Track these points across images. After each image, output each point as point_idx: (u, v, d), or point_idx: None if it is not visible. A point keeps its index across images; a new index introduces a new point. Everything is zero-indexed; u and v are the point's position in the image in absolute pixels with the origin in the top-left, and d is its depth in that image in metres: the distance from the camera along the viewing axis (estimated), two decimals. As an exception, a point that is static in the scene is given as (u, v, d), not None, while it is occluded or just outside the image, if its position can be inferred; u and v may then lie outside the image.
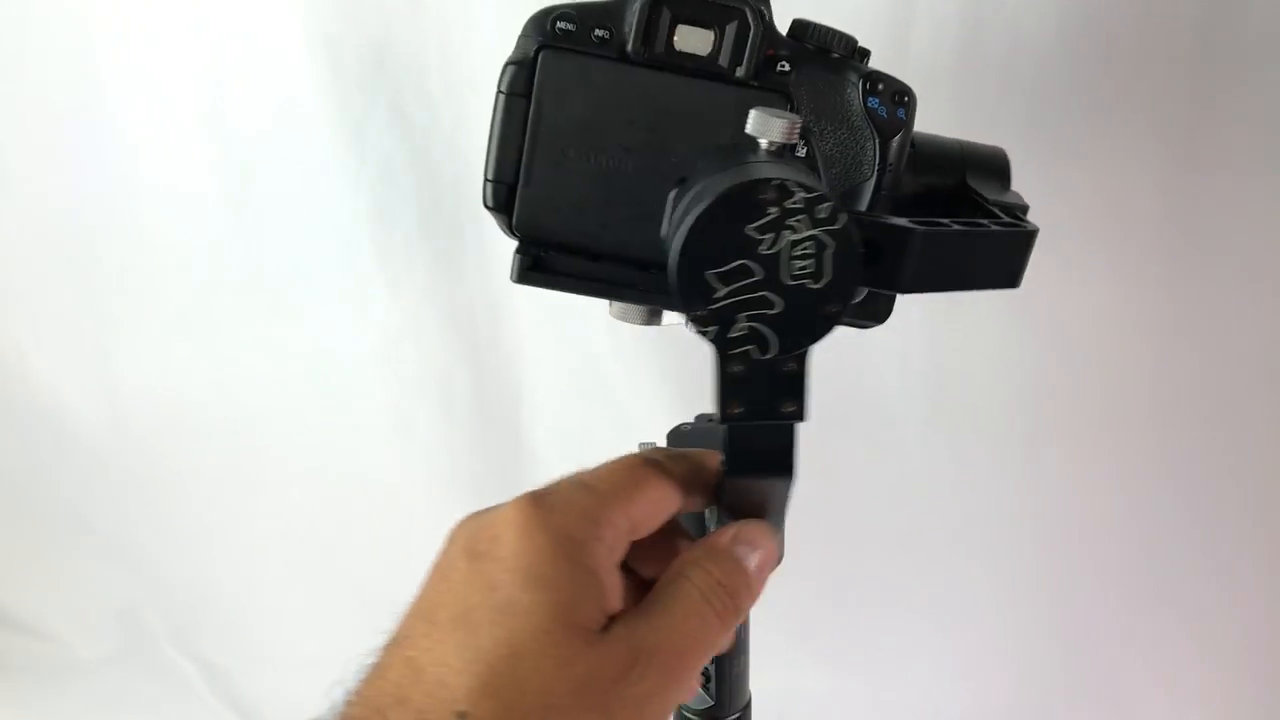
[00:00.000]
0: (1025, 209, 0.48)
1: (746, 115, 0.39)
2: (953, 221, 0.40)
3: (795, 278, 0.33)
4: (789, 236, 0.33)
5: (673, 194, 0.39)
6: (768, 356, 0.35)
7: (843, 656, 1.09)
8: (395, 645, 0.31)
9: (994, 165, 0.52)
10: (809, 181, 0.33)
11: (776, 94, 0.44)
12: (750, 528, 0.37)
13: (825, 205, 0.32)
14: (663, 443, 0.53)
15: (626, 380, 1.05)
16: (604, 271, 0.46)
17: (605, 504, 0.33)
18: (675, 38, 0.43)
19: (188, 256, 1.12)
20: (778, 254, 0.33)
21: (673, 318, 0.48)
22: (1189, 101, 0.81)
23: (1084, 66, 0.82)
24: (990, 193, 0.49)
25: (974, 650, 1.05)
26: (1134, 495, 0.96)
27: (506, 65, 0.42)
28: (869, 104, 0.47)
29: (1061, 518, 0.99)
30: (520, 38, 0.42)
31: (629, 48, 0.42)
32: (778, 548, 0.38)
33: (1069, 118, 0.84)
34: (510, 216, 0.44)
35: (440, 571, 0.32)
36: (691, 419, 0.57)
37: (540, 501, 0.31)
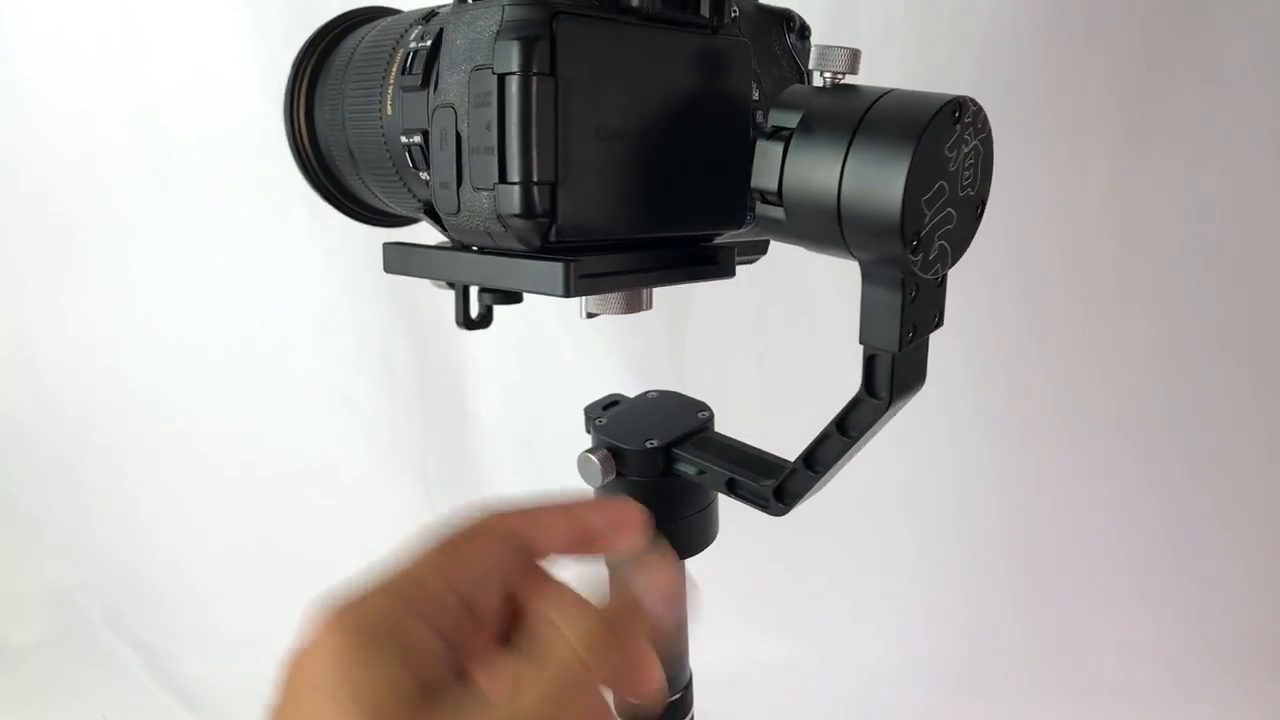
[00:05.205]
0: None
1: (731, 61, 0.41)
2: None
3: (963, 188, 0.35)
4: (963, 150, 0.34)
5: (765, 143, 0.36)
6: (948, 270, 0.37)
7: (794, 623, 1.08)
8: None
9: None
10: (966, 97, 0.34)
11: (740, 39, 0.42)
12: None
13: (983, 115, 0.35)
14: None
15: (573, 348, 1.03)
16: (645, 260, 0.42)
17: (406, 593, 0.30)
18: None
19: (110, 228, 1.07)
20: (957, 169, 0.35)
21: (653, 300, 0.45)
22: (1145, 59, 0.80)
23: (1038, 24, 0.80)
24: None
25: (925, 613, 1.05)
26: (1086, 460, 0.97)
27: (514, 40, 0.35)
28: (789, 40, 0.47)
29: (1014, 482, 0.99)
30: (508, 6, 0.35)
31: (637, 4, 0.38)
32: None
33: (1022, 77, 0.83)
34: (552, 222, 0.37)
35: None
36: (639, 389, 0.56)
37: (341, 613, 0.29)
